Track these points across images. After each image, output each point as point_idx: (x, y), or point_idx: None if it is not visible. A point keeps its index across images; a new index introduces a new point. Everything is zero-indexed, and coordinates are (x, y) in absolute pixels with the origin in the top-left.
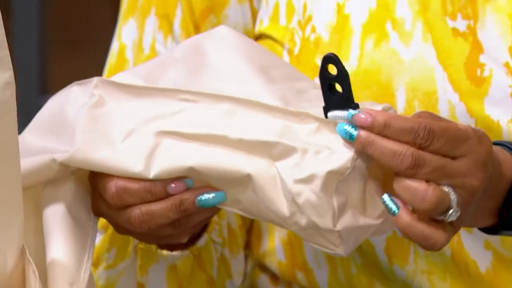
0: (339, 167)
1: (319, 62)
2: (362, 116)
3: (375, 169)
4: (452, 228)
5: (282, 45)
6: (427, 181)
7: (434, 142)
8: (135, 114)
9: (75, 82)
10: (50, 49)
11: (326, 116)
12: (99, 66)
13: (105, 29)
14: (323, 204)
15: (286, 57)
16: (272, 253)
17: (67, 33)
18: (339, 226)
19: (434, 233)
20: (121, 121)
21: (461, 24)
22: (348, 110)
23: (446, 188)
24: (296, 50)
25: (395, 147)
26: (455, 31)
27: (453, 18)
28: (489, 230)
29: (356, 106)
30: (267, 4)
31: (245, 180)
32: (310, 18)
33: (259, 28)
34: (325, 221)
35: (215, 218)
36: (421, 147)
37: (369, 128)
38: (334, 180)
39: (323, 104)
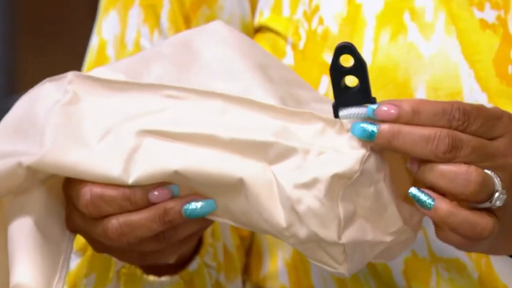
0: (346, 170)
1: (327, 58)
2: (385, 108)
3: (389, 173)
4: (497, 218)
5: (285, 38)
6: (467, 164)
7: (471, 123)
8: (114, 112)
9: (47, 79)
10: (19, 43)
11: (336, 115)
12: (75, 64)
13: (82, 21)
14: (328, 212)
15: (289, 52)
16: (274, 277)
17: (38, 26)
18: (344, 239)
19: (481, 219)
20: (97, 119)
21: (489, 15)
22: (366, 106)
23: (488, 172)
24: (301, 45)
25: (426, 132)
26: (483, 22)
27: (481, 8)
28: None
29: (374, 101)
30: None
31: (237, 186)
32: (317, 8)
33: (259, 20)
34: (329, 232)
35: (209, 239)
36: (458, 131)
37: (395, 120)
38: (341, 185)
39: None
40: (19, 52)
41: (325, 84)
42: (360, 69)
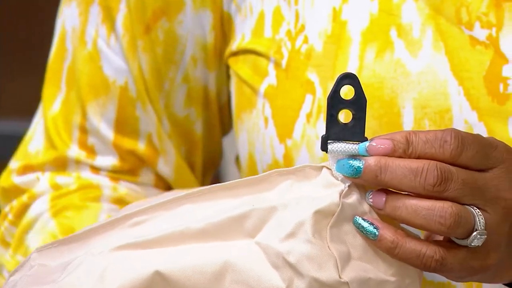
0: (326, 205)
1: (311, 77)
2: (378, 143)
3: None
4: (475, 257)
5: (267, 58)
6: (456, 199)
7: (466, 148)
8: (82, 252)
9: (14, 270)
10: None
11: (324, 148)
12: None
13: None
14: (321, 251)
15: (272, 72)
16: None
17: (17, 43)
18: (345, 277)
19: (427, 248)
20: (61, 265)
21: (479, 34)
22: (357, 143)
23: (471, 208)
24: (284, 63)
25: (414, 164)
26: (472, 39)
27: (469, 28)
28: None
29: (365, 140)
30: (251, 14)
31: (221, 272)
32: (302, 28)
33: (240, 43)
34: (329, 273)
35: None
36: (451, 158)
37: (390, 153)
38: (325, 224)
39: None
40: None
41: (309, 103)
42: (359, 104)
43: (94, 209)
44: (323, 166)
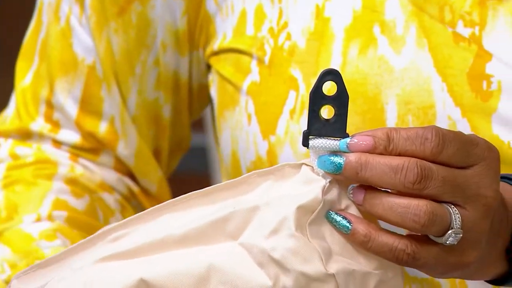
0: (309, 201)
1: (294, 73)
2: (359, 139)
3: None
4: (451, 254)
5: (250, 55)
6: (436, 197)
7: (447, 146)
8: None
9: None
10: None
11: (306, 143)
12: None
13: None
14: (305, 245)
15: (255, 69)
16: None
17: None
18: (331, 269)
19: (399, 242)
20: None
21: (463, 32)
22: (338, 139)
23: (448, 206)
24: (267, 60)
25: (394, 162)
26: (456, 35)
27: (452, 26)
28: (500, 280)
29: (347, 136)
30: (232, 12)
31: (207, 275)
32: (285, 25)
33: (221, 43)
34: (315, 266)
35: None
36: (432, 155)
37: (371, 150)
38: (306, 220)
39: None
40: None
41: (292, 100)
42: (341, 101)
43: (43, 188)
44: (302, 164)
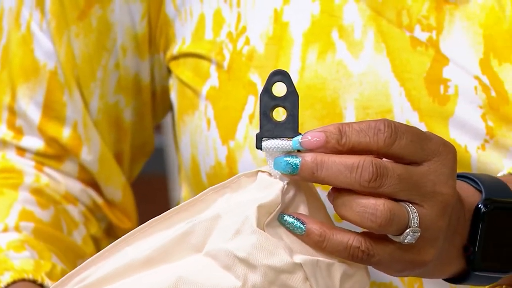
0: (269, 202)
1: (253, 78)
2: (311, 136)
3: (309, 202)
4: (408, 251)
5: (209, 60)
6: (392, 195)
7: (400, 136)
8: None
9: None
10: None
11: (259, 145)
12: None
13: None
14: (268, 239)
15: (214, 74)
16: None
17: None
18: (297, 259)
19: (358, 240)
20: None
21: (420, 36)
22: (291, 139)
23: (406, 205)
24: (226, 65)
25: (349, 160)
26: (413, 40)
27: (410, 30)
28: (458, 279)
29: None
30: (191, 17)
31: None
32: (244, 29)
33: (180, 47)
34: (280, 257)
35: None
36: (385, 146)
37: (324, 144)
38: (264, 220)
39: None
40: None
41: (251, 105)
42: (291, 101)
43: (9, 198)
44: (257, 171)
